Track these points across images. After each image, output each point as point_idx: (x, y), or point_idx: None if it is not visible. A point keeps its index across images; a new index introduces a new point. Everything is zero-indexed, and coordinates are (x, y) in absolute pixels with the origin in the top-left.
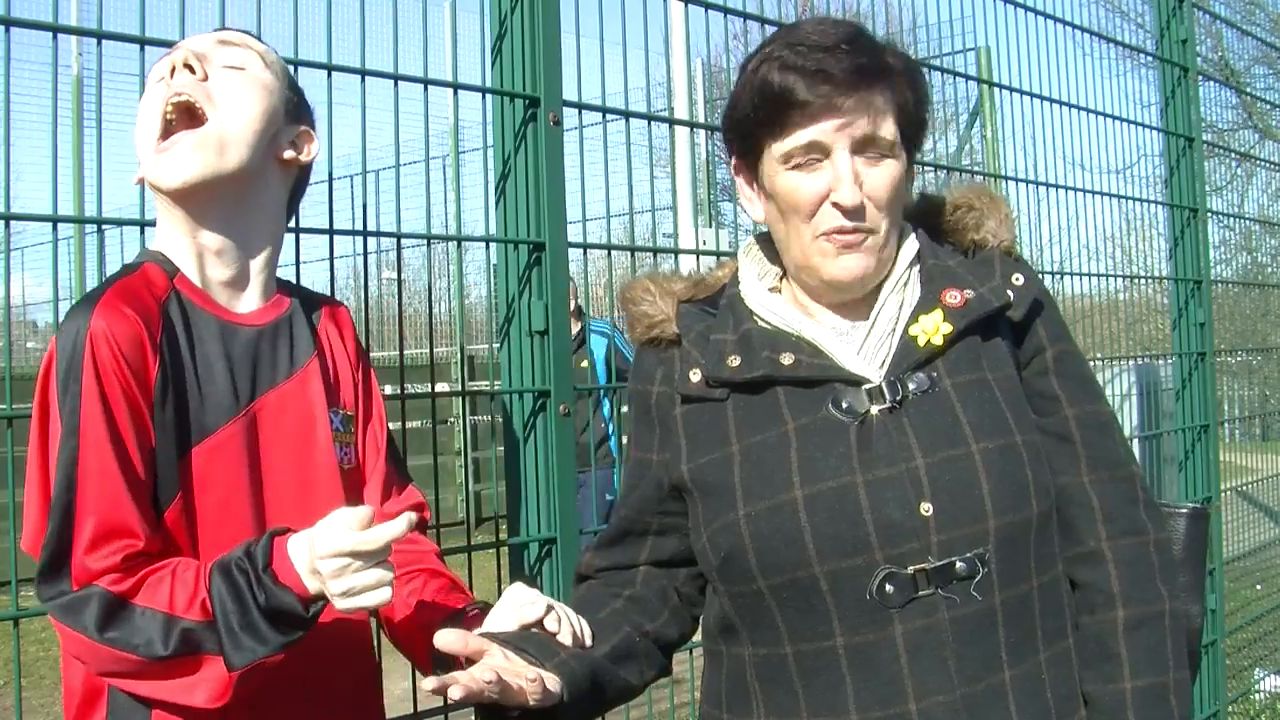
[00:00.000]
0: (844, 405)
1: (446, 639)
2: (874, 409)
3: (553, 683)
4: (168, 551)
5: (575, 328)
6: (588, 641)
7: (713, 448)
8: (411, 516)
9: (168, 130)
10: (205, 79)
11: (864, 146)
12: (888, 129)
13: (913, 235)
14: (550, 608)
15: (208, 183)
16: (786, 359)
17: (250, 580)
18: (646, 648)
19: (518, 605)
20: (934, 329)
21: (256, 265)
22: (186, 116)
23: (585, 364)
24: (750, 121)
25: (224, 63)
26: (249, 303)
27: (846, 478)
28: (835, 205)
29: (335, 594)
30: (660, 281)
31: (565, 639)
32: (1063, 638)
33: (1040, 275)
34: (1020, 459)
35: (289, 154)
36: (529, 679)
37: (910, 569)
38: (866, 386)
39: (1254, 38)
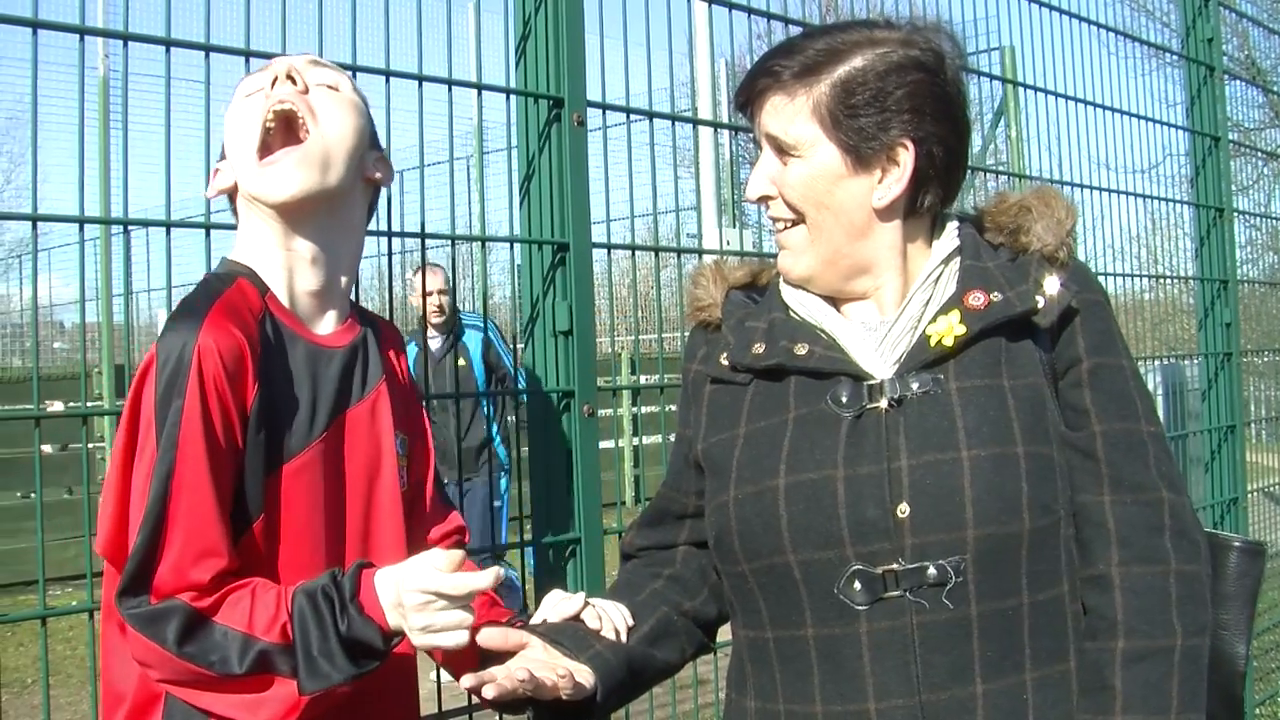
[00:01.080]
0: (843, 399)
1: (489, 635)
2: (872, 405)
3: (585, 676)
4: (247, 569)
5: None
6: (624, 636)
7: (724, 429)
8: (499, 571)
9: (267, 140)
10: (306, 91)
11: (775, 146)
12: (795, 130)
13: (954, 233)
14: (588, 604)
15: (311, 197)
16: (800, 349)
17: (335, 608)
18: (685, 625)
19: (555, 603)
20: (947, 330)
21: (341, 281)
22: (285, 127)
23: (463, 362)
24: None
25: (318, 80)
26: (329, 324)
27: (828, 470)
28: None
29: (415, 628)
30: (721, 268)
31: (606, 634)
32: (1060, 660)
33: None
34: (1015, 470)
35: (375, 175)
36: (559, 674)
37: (880, 569)
38: (869, 383)
39: None
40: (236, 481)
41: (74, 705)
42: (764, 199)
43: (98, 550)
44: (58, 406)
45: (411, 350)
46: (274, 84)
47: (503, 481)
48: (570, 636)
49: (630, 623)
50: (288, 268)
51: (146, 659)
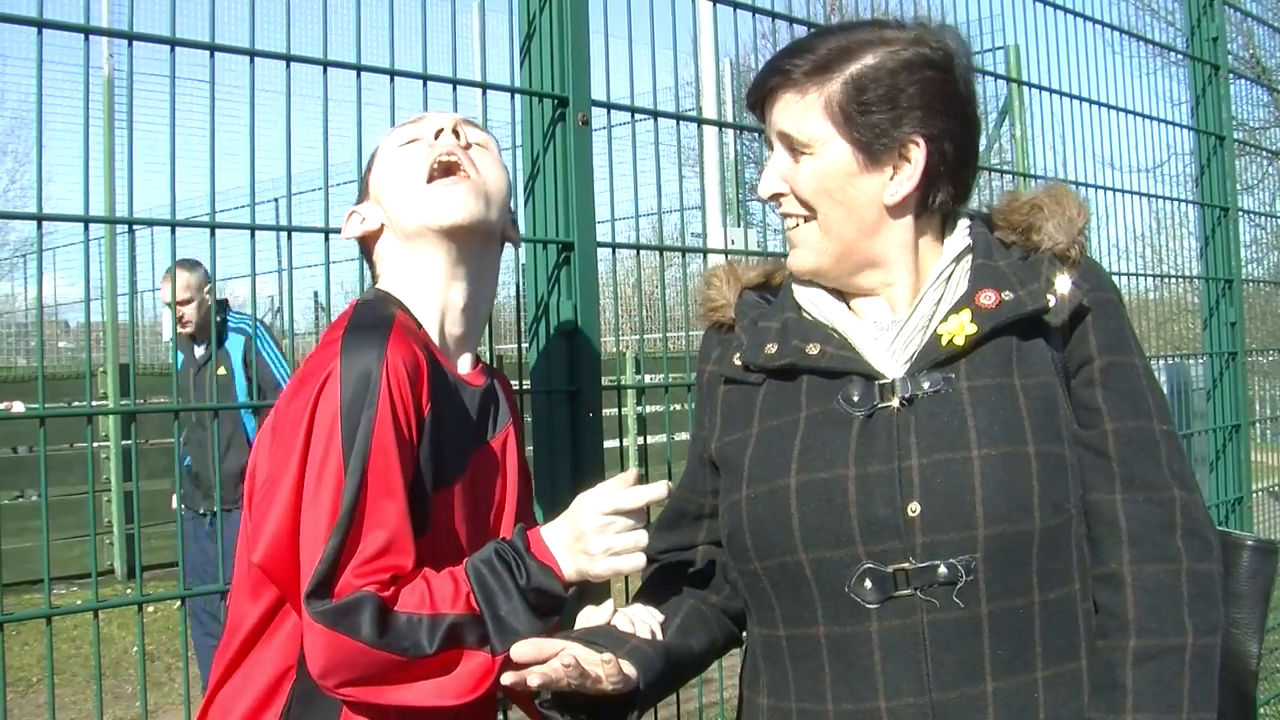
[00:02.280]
0: (854, 398)
1: (523, 648)
2: (884, 404)
3: (628, 667)
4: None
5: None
6: (658, 633)
7: (737, 428)
8: (669, 483)
9: (433, 180)
10: (468, 147)
11: (787, 144)
12: (808, 127)
13: (966, 231)
14: (617, 610)
15: (478, 228)
16: (812, 349)
17: (511, 566)
18: (714, 615)
19: (586, 616)
20: (959, 329)
21: (478, 328)
22: (445, 176)
23: (223, 371)
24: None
25: (473, 140)
26: (465, 365)
27: (839, 470)
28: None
29: (597, 553)
30: (735, 268)
31: (641, 633)
32: (1072, 659)
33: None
34: (1027, 469)
35: (512, 233)
36: (604, 660)
37: (890, 568)
38: (880, 382)
39: None
40: (414, 493)
41: (78, 704)
42: (775, 196)
43: (257, 561)
44: (18, 407)
45: (238, 345)
46: (438, 135)
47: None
48: (605, 636)
49: (661, 619)
50: (441, 310)
51: (334, 659)
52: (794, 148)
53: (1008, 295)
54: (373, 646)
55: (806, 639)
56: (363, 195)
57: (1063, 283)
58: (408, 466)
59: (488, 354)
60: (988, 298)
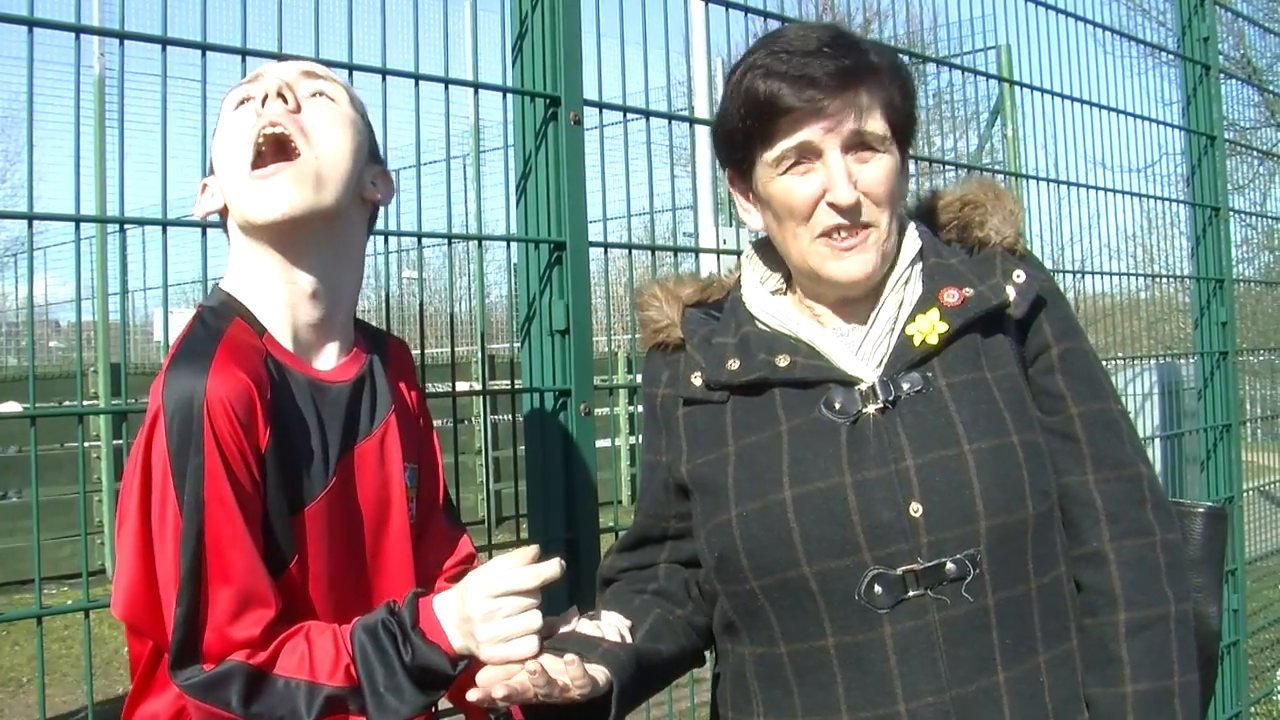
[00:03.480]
0: (836, 406)
1: (488, 674)
2: (866, 409)
3: (598, 672)
4: (289, 612)
5: None
6: (627, 637)
7: (710, 448)
8: (560, 561)
9: (259, 161)
10: (297, 110)
11: (855, 145)
12: (876, 124)
13: (915, 233)
14: (582, 616)
15: (306, 218)
16: (782, 361)
17: (397, 640)
18: (681, 626)
19: (550, 623)
20: (930, 328)
21: (343, 310)
22: (277, 148)
23: None
24: (740, 132)
25: (312, 91)
26: (330, 357)
27: (836, 478)
28: (832, 205)
29: (485, 640)
30: (669, 286)
31: (609, 636)
32: (1065, 640)
33: (1059, 274)
34: (1015, 459)
35: (373, 194)
36: (567, 662)
37: (899, 570)
38: (860, 387)
39: (1276, 35)
40: (268, 528)
41: (69, 704)
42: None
43: (116, 614)
44: (14, 407)
45: None
46: (265, 101)
47: None
48: (574, 642)
49: (629, 624)
50: (288, 304)
51: None
52: (868, 146)
53: (969, 292)
54: (245, 718)
55: (812, 652)
56: (212, 167)
57: (1019, 276)
58: (250, 506)
59: (479, 354)
60: (952, 295)
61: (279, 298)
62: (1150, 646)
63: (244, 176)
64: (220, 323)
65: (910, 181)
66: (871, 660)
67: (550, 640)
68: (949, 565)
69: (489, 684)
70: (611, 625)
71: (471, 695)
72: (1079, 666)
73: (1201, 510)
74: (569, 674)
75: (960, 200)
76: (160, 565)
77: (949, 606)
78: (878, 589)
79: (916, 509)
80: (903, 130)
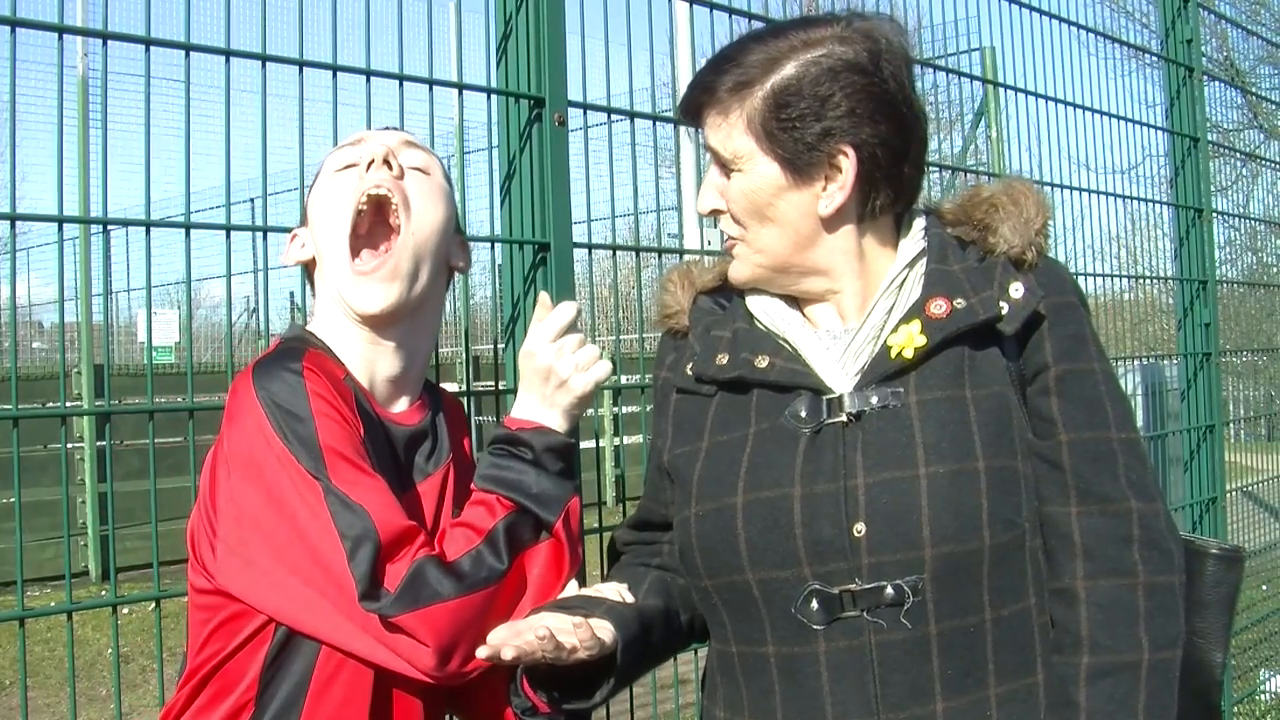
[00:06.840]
0: (802, 414)
1: (499, 633)
2: (832, 420)
3: (605, 633)
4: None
5: None
6: (629, 598)
7: (688, 440)
8: (574, 302)
9: (358, 223)
10: (401, 176)
11: (721, 161)
12: (728, 144)
13: (920, 234)
14: (582, 589)
15: (395, 313)
16: (761, 361)
17: (509, 451)
18: (681, 593)
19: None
20: (907, 340)
21: (418, 367)
22: (376, 211)
23: None
24: None
25: (411, 164)
26: (402, 405)
27: (785, 489)
28: None
29: (569, 374)
30: (690, 272)
31: (613, 597)
32: (1028, 674)
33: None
34: (975, 486)
35: (456, 263)
36: (575, 625)
37: (836, 589)
38: (828, 397)
39: (1259, 37)
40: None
41: (52, 707)
42: (714, 212)
43: (281, 618)
44: None
45: None
46: (370, 166)
47: None
48: (580, 600)
49: (628, 588)
50: (369, 359)
51: (442, 636)
52: (724, 164)
53: (959, 303)
54: (463, 595)
55: (757, 657)
56: (304, 218)
57: (1016, 289)
58: (364, 449)
59: (464, 355)
60: (938, 306)
61: (360, 353)
62: (1112, 695)
63: (345, 268)
64: (304, 345)
65: (844, 194)
66: (805, 674)
67: (554, 601)
68: (888, 590)
69: (499, 644)
70: (612, 588)
71: (481, 652)
72: (1042, 702)
73: (1214, 551)
74: (578, 635)
75: (989, 201)
76: (307, 532)
77: (884, 630)
78: (814, 605)
79: (860, 529)
80: (794, 144)
